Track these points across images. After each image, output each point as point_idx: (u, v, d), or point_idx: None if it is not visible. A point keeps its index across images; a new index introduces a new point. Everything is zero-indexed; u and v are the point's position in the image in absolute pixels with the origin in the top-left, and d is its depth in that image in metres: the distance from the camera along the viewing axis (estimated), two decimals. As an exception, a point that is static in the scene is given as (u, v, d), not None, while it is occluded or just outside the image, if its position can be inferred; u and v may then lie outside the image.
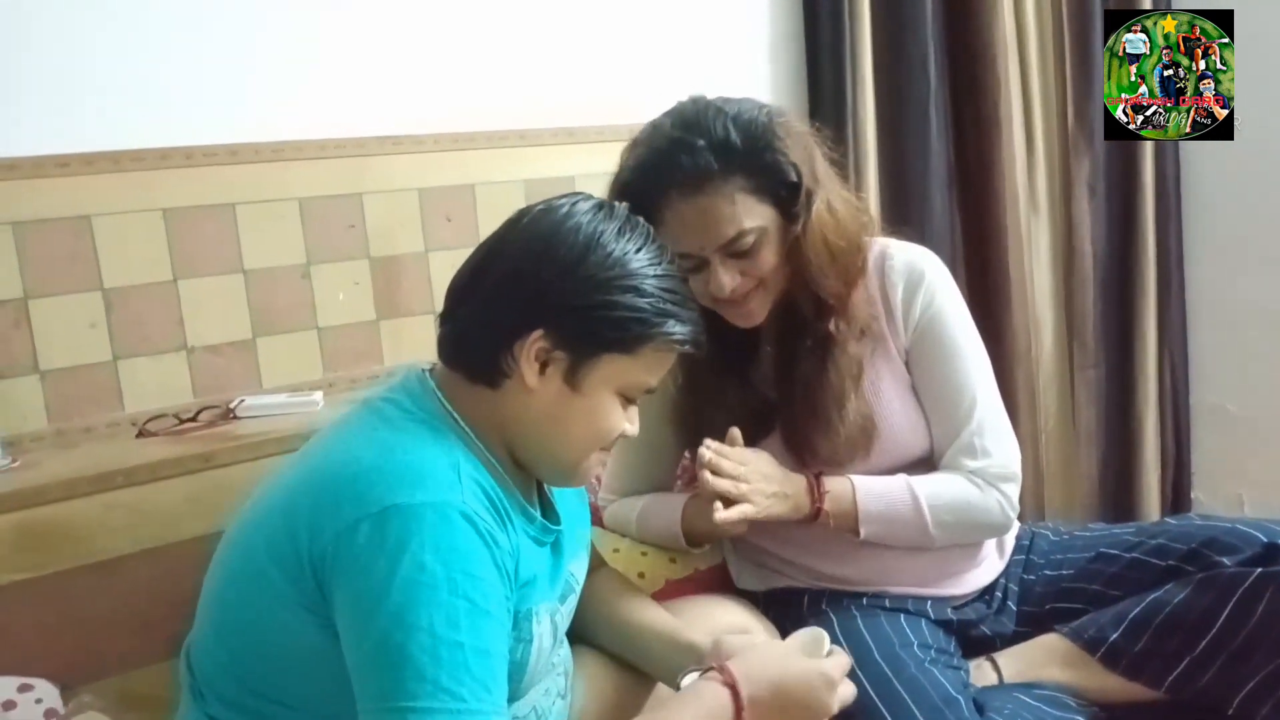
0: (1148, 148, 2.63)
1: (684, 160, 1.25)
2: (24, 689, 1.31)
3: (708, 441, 1.30)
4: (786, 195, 1.28)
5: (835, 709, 1.07)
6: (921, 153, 2.29)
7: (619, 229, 1.04)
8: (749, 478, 1.29)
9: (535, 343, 1.01)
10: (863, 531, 1.36)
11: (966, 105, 2.40)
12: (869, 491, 1.36)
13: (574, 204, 1.06)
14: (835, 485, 1.36)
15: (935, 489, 1.37)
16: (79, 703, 1.29)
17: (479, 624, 0.91)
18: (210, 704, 1.05)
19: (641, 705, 1.24)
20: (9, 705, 1.29)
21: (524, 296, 1.02)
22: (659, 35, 2.07)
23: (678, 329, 1.04)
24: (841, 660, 1.10)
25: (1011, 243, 2.42)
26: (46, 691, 1.32)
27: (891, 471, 1.41)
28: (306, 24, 1.69)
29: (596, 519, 1.54)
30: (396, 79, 1.79)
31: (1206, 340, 2.79)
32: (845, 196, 1.36)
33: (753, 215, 1.26)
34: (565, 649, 1.21)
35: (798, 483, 1.35)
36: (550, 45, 1.95)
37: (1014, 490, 1.40)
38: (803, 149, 1.30)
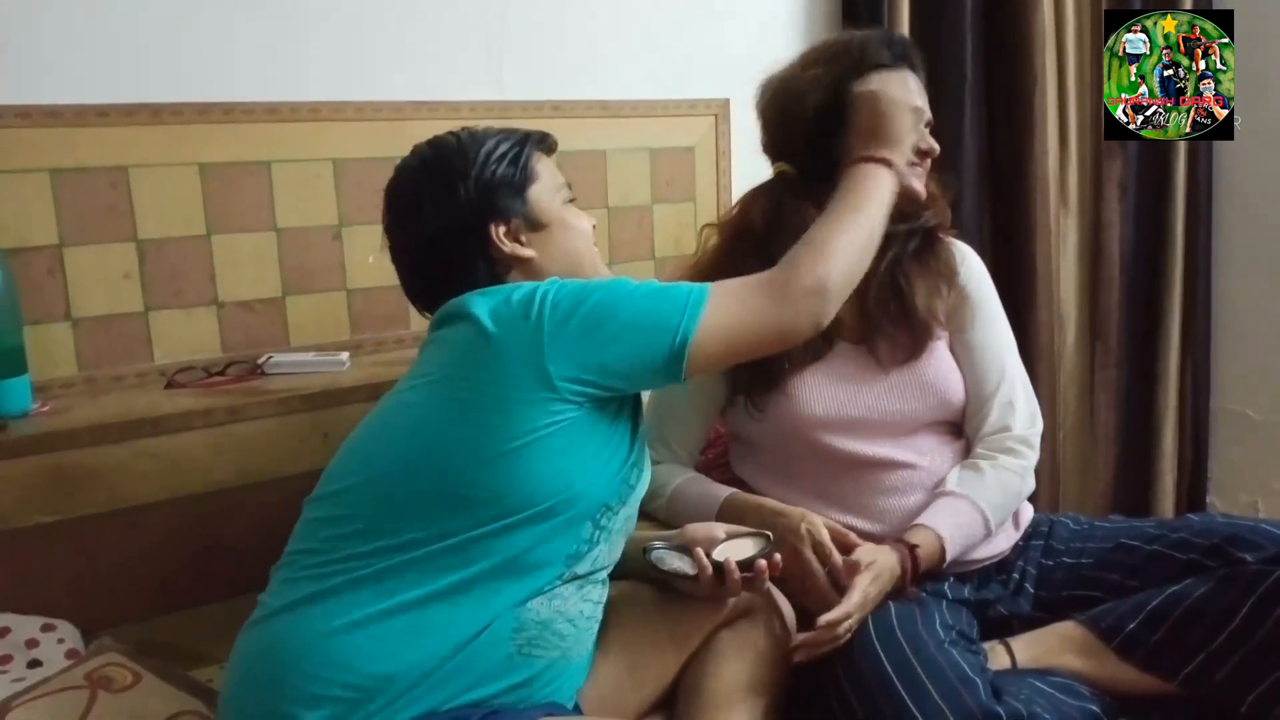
0: (1180, 149, 2.61)
1: (892, 41, 1.44)
2: (47, 628, 1.32)
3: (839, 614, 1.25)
4: None
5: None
6: (954, 145, 2.28)
7: (450, 139, 1.29)
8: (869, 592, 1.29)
9: (497, 231, 1.24)
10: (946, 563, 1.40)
11: (1002, 98, 2.39)
12: (952, 539, 1.38)
13: (406, 160, 1.31)
14: (923, 541, 1.37)
15: (993, 499, 1.44)
16: (100, 644, 1.30)
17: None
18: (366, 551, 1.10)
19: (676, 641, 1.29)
20: (31, 643, 1.30)
21: (462, 226, 1.24)
22: (696, 24, 2.08)
23: (529, 142, 1.29)
24: None
25: (1040, 238, 2.41)
26: (69, 632, 1.34)
27: (926, 421, 1.48)
28: (348, -14, 1.70)
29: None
30: (435, 45, 1.80)
31: (1230, 346, 2.77)
32: None
33: None
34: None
35: (893, 562, 1.34)
36: (586, 17, 1.95)
37: (1038, 437, 1.53)
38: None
